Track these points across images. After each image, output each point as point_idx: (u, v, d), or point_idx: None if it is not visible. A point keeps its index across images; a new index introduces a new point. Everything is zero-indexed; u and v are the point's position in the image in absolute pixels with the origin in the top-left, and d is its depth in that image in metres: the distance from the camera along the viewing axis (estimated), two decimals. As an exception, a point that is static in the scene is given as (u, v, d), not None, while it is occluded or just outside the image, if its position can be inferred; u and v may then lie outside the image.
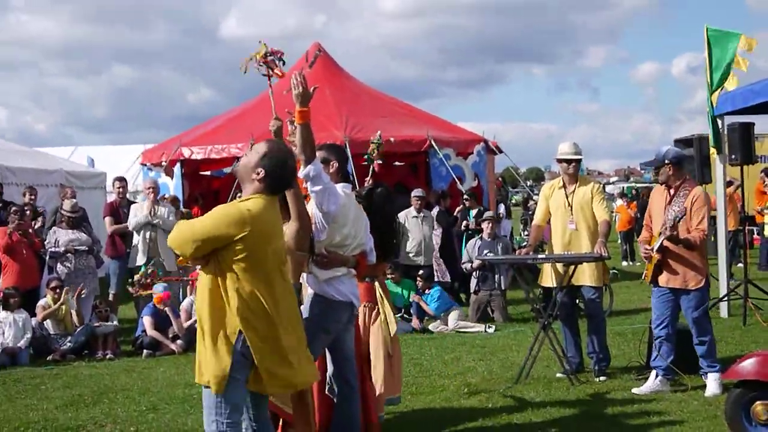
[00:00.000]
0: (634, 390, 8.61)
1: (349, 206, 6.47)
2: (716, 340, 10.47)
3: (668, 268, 8.59)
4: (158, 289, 11.98)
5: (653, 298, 8.86)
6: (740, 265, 15.42)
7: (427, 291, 13.46)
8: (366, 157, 8.89)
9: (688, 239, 8.44)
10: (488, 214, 14.81)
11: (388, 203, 7.39)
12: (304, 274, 6.36)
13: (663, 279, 8.65)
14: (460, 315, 13.26)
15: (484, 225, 14.32)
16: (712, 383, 8.43)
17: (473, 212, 16.13)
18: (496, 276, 13.82)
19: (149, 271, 11.98)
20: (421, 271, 13.91)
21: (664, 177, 8.75)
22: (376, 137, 8.34)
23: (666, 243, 8.47)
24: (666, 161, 8.66)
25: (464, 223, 16.30)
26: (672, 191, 8.68)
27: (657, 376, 8.66)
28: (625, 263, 23.36)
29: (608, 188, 42.22)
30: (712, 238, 16.38)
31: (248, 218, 4.96)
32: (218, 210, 5.08)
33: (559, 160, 9.69)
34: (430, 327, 13.01)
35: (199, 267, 5.19)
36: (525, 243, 22.06)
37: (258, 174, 5.15)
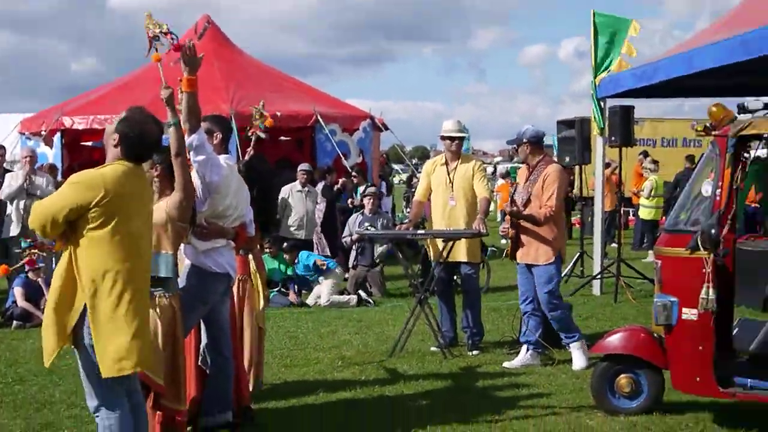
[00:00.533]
0: (505, 364, 8.75)
1: (231, 178, 6.44)
2: (588, 317, 10.78)
3: (521, 243, 8.79)
4: None
5: (518, 275, 9.03)
6: (615, 245, 15.77)
7: (296, 262, 13.45)
8: (246, 129, 8.83)
9: (531, 215, 8.62)
10: (370, 189, 14.83)
11: (268, 175, 7.38)
12: (182, 245, 6.28)
13: (518, 254, 8.87)
14: (335, 284, 13.23)
15: (366, 200, 14.35)
16: (575, 352, 8.61)
17: (361, 189, 16.16)
18: (375, 251, 13.86)
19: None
20: (284, 244, 13.86)
21: (522, 155, 8.99)
22: (259, 105, 8.29)
23: (514, 219, 8.67)
24: (524, 140, 8.86)
25: (349, 200, 16.37)
26: (530, 169, 8.86)
27: (527, 350, 8.81)
28: (504, 241, 23.63)
29: (499, 168, 42.72)
30: (589, 218, 16.75)
31: (102, 182, 4.78)
32: (70, 178, 4.91)
33: (443, 137, 9.76)
34: (308, 301, 12.99)
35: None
36: (407, 219, 22.29)
37: (114, 140, 5.02)
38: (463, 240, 9.38)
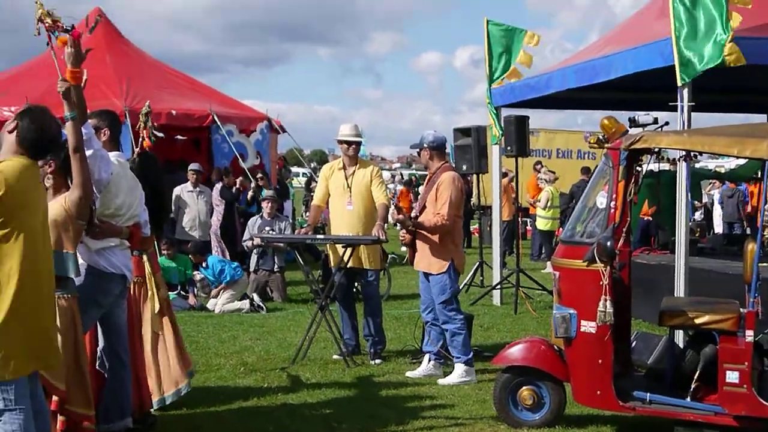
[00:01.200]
0: (408, 373, 8.68)
1: (122, 175, 6.30)
2: (488, 327, 10.78)
3: (418, 249, 8.66)
4: None
5: (420, 282, 8.93)
6: (513, 255, 15.89)
7: (203, 264, 13.20)
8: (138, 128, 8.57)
9: (421, 223, 8.54)
10: (269, 193, 14.65)
11: (158, 173, 7.18)
12: None
13: (415, 261, 8.74)
14: (232, 294, 12.94)
15: (264, 204, 14.16)
16: (457, 371, 8.48)
17: (265, 192, 15.98)
18: (275, 255, 13.68)
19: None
20: (189, 244, 13.55)
21: (423, 161, 8.91)
22: (145, 107, 8.03)
23: (411, 229, 8.60)
24: (425, 145, 8.76)
25: (250, 196, 16.27)
26: (429, 176, 8.81)
27: (429, 360, 8.74)
28: (404, 248, 23.64)
29: (403, 174, 42.96)
30: (488, 228, 16.84)
31: (1, 178, 4.55)
32: None
33: (340, 141, 9.68)
34: (208, 305, 12.73)
35: None
36: (306, 223, 22.17)
37: (13, 134, 4.84)
38: (363, 246, 9.28)
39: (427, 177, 8.91)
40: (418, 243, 8.61)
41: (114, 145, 6.45)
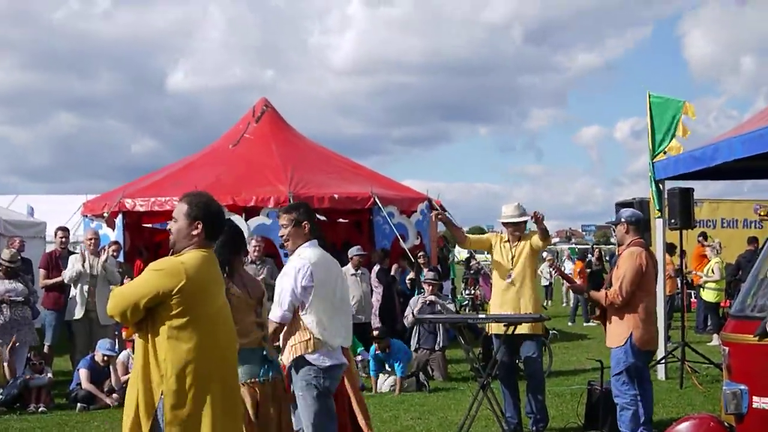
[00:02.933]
0: None
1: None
2: (654, 403, 10.51)
3: (605, 324, 8.67)
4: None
5: None
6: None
7: (387, 350, 13.03)
8: None
9: (598, 299, 8.56)
10: (429, 275, 14.76)
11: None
12: None
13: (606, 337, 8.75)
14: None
15: (425, 286, 14.30)
16: None
17: (425, 272, 16.14)
18: (438, 335, 13.75)
19: None
20: (376, 331, 13.62)
21: (619, 236, 8.84)
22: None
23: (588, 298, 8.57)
24: (622, 219, 8.73)
25: (408, 278, 16.44)
26: (619, 252, 8.77)
27: None
28: (570, 324, 23.30)
29: (564, 249, 42.66)
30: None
31: (182, 269, 4.83)
32: (151, 266, 4.96)
33: (504, 223, 9.74)
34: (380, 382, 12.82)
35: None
36: (467, 302, 22.18)
37: (196, 226, 5.04)
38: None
39: (619, 253, 8.88)
40: (605, 319, 8.63)
41: (311, 235, 6.71)
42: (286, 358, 6.51)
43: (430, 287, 14.10)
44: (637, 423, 8.38)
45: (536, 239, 9.54)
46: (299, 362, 6.41)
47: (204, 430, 4.82)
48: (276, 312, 6.38)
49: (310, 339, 6.38)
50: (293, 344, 6.41)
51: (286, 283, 6.37)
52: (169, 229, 5.14)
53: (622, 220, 8.72)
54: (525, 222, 9.82)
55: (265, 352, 5.90)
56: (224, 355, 5.03)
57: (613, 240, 44.77)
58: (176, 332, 4.80)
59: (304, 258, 6.47)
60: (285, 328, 6.46)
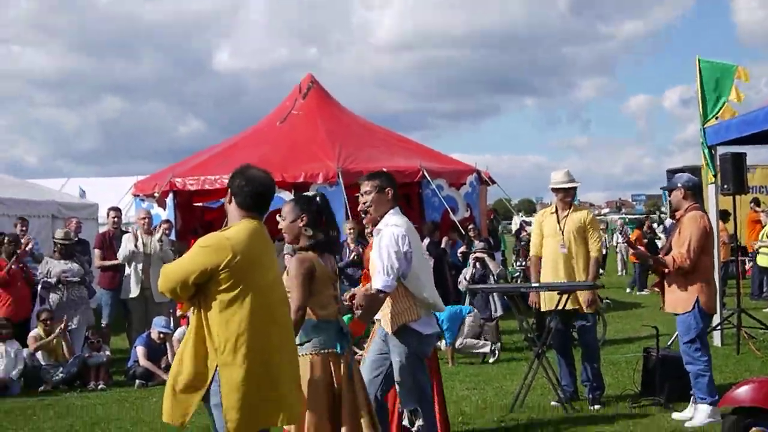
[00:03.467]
0: (674, 415, 8.56)
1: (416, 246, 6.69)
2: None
3: (666, 291, 8.57)
4: None
5: None
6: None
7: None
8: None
9: (662, 261, 8.44)
10: (479, 245, 14.71)
11: None
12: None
13: (665, 304, 8.66)
14: (471, 325, 12.79)
15: (471, 258, 14.26)
16: (700, 413, 8.30)
17: (475, 243, 16.10)
18: (490, 305, 13.71)
19: None
20: None
21: (675, 201, 8.72)
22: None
23: (645, 264, 8.47)
24: (678, 185, 8.63)
25: (460, 250, 16.42)
26: (678, 218, 8.67)
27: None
28: (629, 290, 23.11)
29: (615, 218, 42.40)
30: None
31: (229, 244, 4.85)
32: (199, 242, 4.99)
33: (554, 189, 9.68)
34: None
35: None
36: (518, 274, 22.11)
37: (229, 198, 5.12)
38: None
39: (676, 218, 8.80)
40: (667, 284, 8.53)
41: (394, 202, 6.73)
42: (386, 326, 6.52)
43: (477, 262, 14.06)
44: (713, 389, 8.32)
45: (591, 240, 9.48)
46: (402, 331, 6.43)
47: (251, 400, 4.82)
48: (383, 281, 6.31)
49: (412, 306, 6.41)
50: (396, 312, 6.42)
51: (391, 252, 6.34)
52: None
53: (679, 185, 8.61)
54: (574, 189, 9.76)
55: (341, 325, 5.92)
56: (279, 326, 5.04)
57: (663, 209, 44.36)
58: (228, 306, 4.82)
59: (397, 225, 6.48)
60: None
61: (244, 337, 4.81)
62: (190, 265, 4.87)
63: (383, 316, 6.54)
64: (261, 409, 4.87)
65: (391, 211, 6.61)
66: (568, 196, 9.62)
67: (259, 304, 4.88)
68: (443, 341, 12.37)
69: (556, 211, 9.64)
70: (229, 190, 5.12)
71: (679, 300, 8.42)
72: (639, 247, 8.40)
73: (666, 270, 8.47)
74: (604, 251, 30.47)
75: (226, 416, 4.80)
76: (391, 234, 6.39)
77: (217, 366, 4.81)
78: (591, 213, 10.01)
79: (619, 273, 30.24)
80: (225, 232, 4.98)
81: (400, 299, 6.40)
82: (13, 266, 12.46)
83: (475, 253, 14.41)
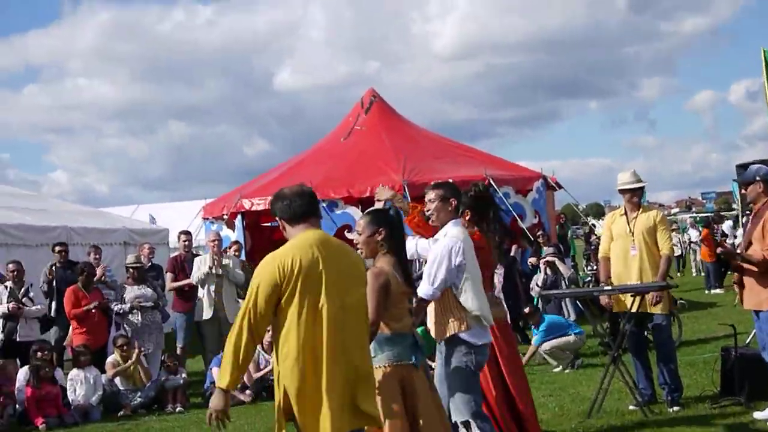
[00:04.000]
0: (755, 415, 8.39)
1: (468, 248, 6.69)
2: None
3: (746, 286, 8.38)
4: None
5: (755, 322, 8.60)
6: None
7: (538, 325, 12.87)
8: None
9: (750, 257, 8.23)
10: (548, 250, 14.62)
11: None
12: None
13: (744, 300, 8.47)
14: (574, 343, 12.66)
15: (542, 263, 14.14)
16: None
17: (545, 249, 16.02)
18: (563, 310, 13.60)
19: None
20: (527, 309, 13.58)
21: (753, 194, 8.51)
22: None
23: (739, 262, 8.27)
24: (756, 178, 8.45)
25: (530, 260, 16.31)
26: (755, 212, 8.48)
27: None
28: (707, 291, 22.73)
29: (686, 218, 41.82)
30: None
31: (272, 260, 4.98)
32: (258, 267, 5.06)
33: (621, 191, 9.57)
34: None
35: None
36: (589, 278, 21.92)
37: (282, 226, 5.25)
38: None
39: (753, 212, 8.63)
40: (747, 280, 8.36)
41: (456, 213, 6.80)
42: (436, 335, 6.56)
43: (546, 267, 13.95)
44: None
45: (661, 238, 9.32)
46: (452, 341, 6.44)
47: (324, 410, 4.87)
48: (425, 289, 6.41)
49: (464, 317, 6.41)
50: (446, 323, 6.44)
51: (442, 262, 6.40)
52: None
53: (757, 178, 8.42)
54: (641, 188, 9.64)
55: (416, 338, 5.95)
56: (345, 334, 5.02)
57: (735, 206, 43.64)
58: (292, 319, 4.89)
59: (454, 236, 6.52)
60: (433, 306, 6.52)
61: (311, 351, 4.87)
62: (250, 296, 4.94)
63: (432, 326, 6.60)
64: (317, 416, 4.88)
65: (452, 221, 6.66)
66: (635, 197, 9.50)
67: (313, 313, 4.91)
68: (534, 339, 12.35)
69: (626, 213, 9.52)
70: (278, 219, 5.24)
71: (763, 297, 8.23)
72: (725, 245, 8.19)
73: (746, 266, 8.30)
74: (679, 251, 30.15)
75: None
76: (445, 245, 6.43)
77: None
78: (660, 212, 9.88)
79: (695, 273, 29.82)
80: (281, 248, 5.06)
81: (450, 309, 6.41)
82: (92, 309, 12.61)
83: (545, 257, 14.32)
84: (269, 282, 4.87)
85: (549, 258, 14.08)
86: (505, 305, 9.04)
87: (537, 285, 13.71)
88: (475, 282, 6.50)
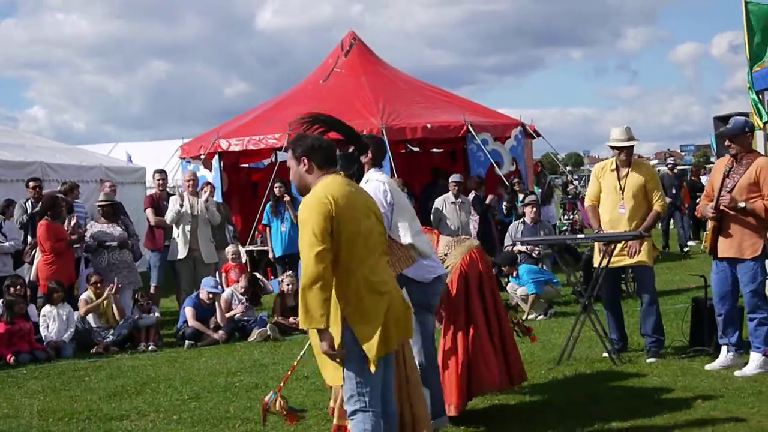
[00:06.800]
0: (707, 366, 8.49)
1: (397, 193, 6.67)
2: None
3: (725, 234, 8.33)
4: None
5: (713, 274, 8.60)
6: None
7: (514, 274, 12.93)
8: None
9: (754, 208, 8.14)
10: (530, 198, 14.62)
11: None
12: None
13: (720, 248, 8.38)
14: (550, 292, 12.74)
15: (527, 209, 14.10)
16: (752, 363, 8.23)
17: (521, 197, 16.01)
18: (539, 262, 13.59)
19: None
20: (499, 255, 13.54)
21: (746, 146, 8.41)
22: None
23: (724, 208, 8.23)
24: (746, 130, 8.40)
25: (504, 204, 16.33)
26: (733, 162, 8.38)
27: (728, 351, 8.48)
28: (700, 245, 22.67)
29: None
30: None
31: (325, 198, 5.02)
32: (300, 216, 5.11)
33: (612, 147, 9.49)
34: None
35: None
36: (565, 227, 21.99)
37: (306, 165, 5.26)
38: (637, 242, 9.11)
39: (723, 164, 8.50)
40: (729, 228, 8.30)
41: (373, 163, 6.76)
42: None
43: (533, 209, 13.92)
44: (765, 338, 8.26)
45: (654, 196, 9.27)
46: (400, 279, 6.34)
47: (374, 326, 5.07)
48: None
49: (405, 254, 6.40)
50: (391, 262, 6.41)
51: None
52: (276, 150, 5.38)
53: (747, 130, 8.39)
54: (632, 147, 9.45)
55: None
56: (380, 267, 5.27)
57: (713, 159, 43.76)
58: (338, 257, 5.04)
59: (378, 180, 6.56)
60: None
61: (355, 280, 5.08)
62: (312, 236, 4.96)
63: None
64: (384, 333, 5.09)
65: (372, 169, 6.67)
66: (624, 155, 9.33)
67: (361, 249, 5.12)
68: (526, 287, 12.40)
69: (617, 168, 9.41)
70: (304, 158, 5.25)
71: (746, 245, 8.23)
72: (733, 197, 8.10)
73: (732, 213, 8.25)
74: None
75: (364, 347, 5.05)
76: (373, 189, 6.39)
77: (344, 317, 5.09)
78: (652, 168, 9.79)
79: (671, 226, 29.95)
80: (316, 190, 5.12)
81: (393, 250, 6.35)
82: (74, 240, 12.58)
83: (526, 204, 14.26)
84: (323, 218, 4.95)
85: (530, 199, 14.04)
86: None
87: (511, 239, 13.65)
88: (404, 218, 6.49)
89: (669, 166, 23.34)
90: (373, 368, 5.04)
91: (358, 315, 5.07)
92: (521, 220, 14.23)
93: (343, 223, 4.99)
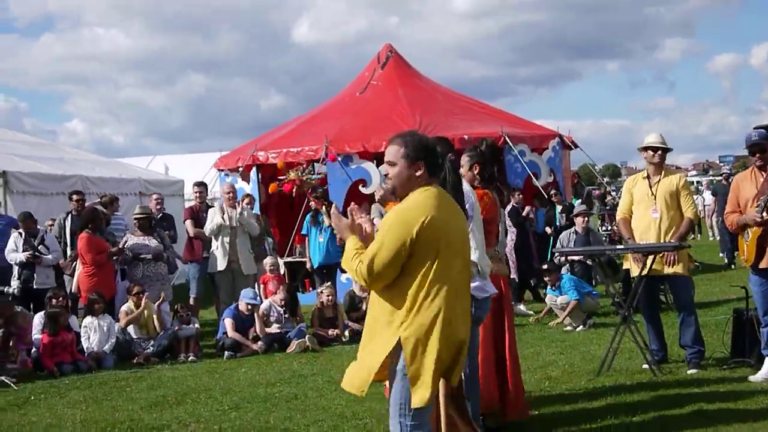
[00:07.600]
0: (750, 378, 8.42)
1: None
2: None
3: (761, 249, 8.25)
4: None
5: (754, 286, 8.54)
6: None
7: (555, 285, 12.90)
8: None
9: None
10: (580, 207, 14.59)
11: None
12: None
13: (765, 261, 8.32)
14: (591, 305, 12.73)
15: (578, 219, 14.08)
16: (765, 368, 8.25)
17: (559, 208, 15.98)
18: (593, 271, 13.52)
19: None
20: (545, 266, 13.58)
21: None
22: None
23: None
24: None
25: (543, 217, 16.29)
26: (763, 174, 8.37)
27: None
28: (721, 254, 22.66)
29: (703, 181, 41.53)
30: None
31: (418, 214, 4.78)
32: (385, 223, 4.88)
33: (645, 148, 9.45)
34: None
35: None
36: (604, 238, 21.89)
37: (417, 168, 4.94)
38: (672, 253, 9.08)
39: (750, 176, 8.52)
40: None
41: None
42: None
43: (584, 219, 13.90)
44: None
45: (685, 202, 9.26)
46: None
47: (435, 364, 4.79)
48: None
49: None
50: None
51: None
52: (386, 175, 5.09)
53: None
54: (665, 150, 9.47)
55: None
56: (463, 292, 5.04)
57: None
58: (411, 273, 4.79)
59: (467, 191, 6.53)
60: None
61: (438, 299, 4.76)
62: (390, 244, 4.75)
63: None
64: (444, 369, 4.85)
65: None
66: (657, 157, 9.35)
67: (446, 268, 4.81)
68: (567, 294, 12.36)
69: (648, 176, 9.45)
70: (421, 162, 4.93)
71: None
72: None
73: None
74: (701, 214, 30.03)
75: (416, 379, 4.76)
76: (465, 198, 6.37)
77: (403, 331, 4.78)
78: (683, 176, 9.80)
79: (711, 237, 29.76)
80: (409, 202, 4.89)
81: None
82: (116, 254, 12.70)
83: (576, 214, 14.25)
84: (404, 234, 4.73)
85: (579, 210, 14.02)
86: (508, 263, 8.94)
87: (561, 245, 13.61)
88: (477, 235, 6.48)
89: (724, 175, 23.18)
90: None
91: (421, 348, 4.76)
92: (572, 229, 14.21)
93: (435, 245, 4.75)
